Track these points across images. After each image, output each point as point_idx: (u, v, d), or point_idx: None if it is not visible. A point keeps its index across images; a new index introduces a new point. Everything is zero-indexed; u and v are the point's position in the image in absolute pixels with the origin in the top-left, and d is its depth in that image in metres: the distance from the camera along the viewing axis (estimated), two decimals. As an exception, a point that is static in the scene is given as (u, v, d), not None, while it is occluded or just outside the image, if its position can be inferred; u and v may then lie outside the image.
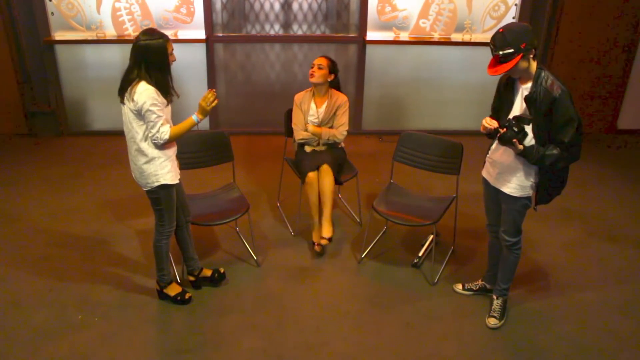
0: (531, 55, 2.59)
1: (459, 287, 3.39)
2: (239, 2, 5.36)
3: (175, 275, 3.42)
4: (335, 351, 2.91)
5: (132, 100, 2.70)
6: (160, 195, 2.92)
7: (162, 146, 2.81)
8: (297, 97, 3.90)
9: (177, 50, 5.33)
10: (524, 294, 3.38)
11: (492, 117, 2.84)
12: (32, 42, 5.22)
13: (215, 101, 2.91)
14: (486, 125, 2.69)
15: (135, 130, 2.78)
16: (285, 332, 3.03)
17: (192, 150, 3.58)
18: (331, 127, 3.85)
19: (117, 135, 3.54)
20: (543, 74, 2.61)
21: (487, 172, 3.01)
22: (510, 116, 2.71)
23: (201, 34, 5.37)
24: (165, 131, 2.76)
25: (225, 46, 5.51)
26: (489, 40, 2.61)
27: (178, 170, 3.02)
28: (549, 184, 2.80)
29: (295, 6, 5.39)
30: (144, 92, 2.68)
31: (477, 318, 3.16)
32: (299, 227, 3.97)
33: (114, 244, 3.77)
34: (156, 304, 3.22)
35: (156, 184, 2.87)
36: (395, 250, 3.82)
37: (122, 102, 2.78)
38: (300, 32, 5.48)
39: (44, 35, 5.23)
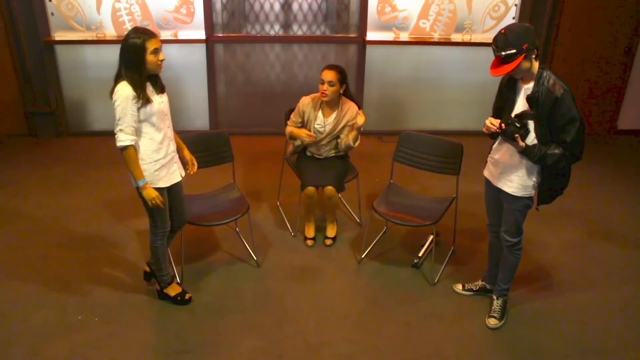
0: (533, 56, 2.59)
1: (459, 287, 3.39)
2: (239, 3, 5.36)
3: (175, 275, 3.42)
4: (336, 351, 2.91)
5: (111, 97, 2.72)
6: (142, 194, 2.86)
7: (120, 151, 2.74)
8: (303, 103, 3.74)
9: (177, 51, 5.42)
10: (524, 294, 3.38)
11: (494, 117, 2.85)
12: (32, 42, 5.22)
13: (156, 204, 2.85)
14: (489, 125, 2.69)
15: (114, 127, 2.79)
16: (285, 332, 3.03)
17: (192, 150, 3.55)
18: (339, 137, 3.74)
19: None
20: (545, 74, 2.62)
21: (488, 172, 3.01)
22: (513, 115, 2.72)
23: (201, 34, 5.37)
24: (121, 139, 2.70)
25: (225, 46, 5.51)
26: (489, 41, 2.62)
27: (172, 176, 2.96)
28: (551, 184, 2.80)
29: (295, 6, 5.39)
30: (118, 91, 2.68)
31: (477, 318, 3.16)
32: (299, 227, 3.97)
33: (114, 244, 3.77)
34: (156, 304, 3.22)
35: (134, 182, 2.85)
36: (395, 250, 3.82)
37: (111, 98, 2.80)
38: (300, 33, 5.49)
39: (44, 36, 5.23)
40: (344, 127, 3.70)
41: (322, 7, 5.41)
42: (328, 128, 3.73)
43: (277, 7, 5.38)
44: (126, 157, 2.75)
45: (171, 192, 3.03)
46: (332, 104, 3.69)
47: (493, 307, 3.15)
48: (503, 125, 2.65)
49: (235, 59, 5.56)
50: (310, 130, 3.74)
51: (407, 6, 5.42)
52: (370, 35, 5.48)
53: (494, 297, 3.18)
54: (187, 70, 5.52)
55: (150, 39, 2.67)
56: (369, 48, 5.51)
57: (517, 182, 2.82)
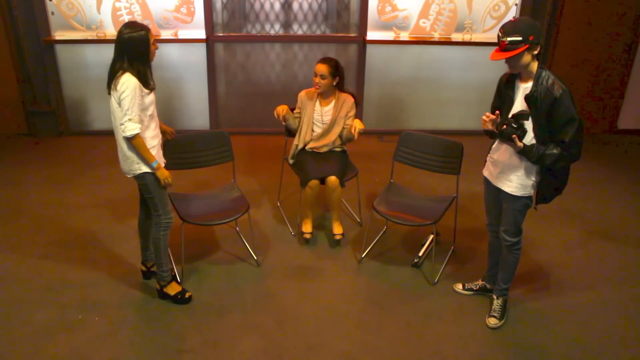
0: (535, 52, 2.59)
1: (459, 287, 3.39)
2: (239, 2, 5.36)
3: (176, 275, 3.43)
4: (336, 351, 2.91)
5: (116, 89, 2.79)
6: (147, 180, 2.96)
7: (128, 140, 2.84)
8: (300, 95, 3.90)
9: (177, 50, 5.42)
10: (524, 293, 3.38)
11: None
12: (32, 41, 5.23)
13: (169, 182, 3.01)
14: (484, 118, 2.70)
15: (119, 118, 2.86)
16: (285, 332, 3.03)
17: (193, 150, 3.58)
18: (338, 128, 3.82)
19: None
20: (544, 74, 2.62)
21: (488, 172, 3.01)
22: (510, 115, 2.72)
23: (201, 34, 5.37)
24: (131, 128, 2.79)
25: (225, 46, 5.51)
26: (489, 40, 2.62)
27: (163, 160, 3.09)
28: (549, 183, 2.80)
29: (295, 6, 5.39)
30: (126, 82, 2.77)
31: (477, 318, 3.16)
32: (299, 227, 3.97)
33: (114, 244, 3.77)
34: (156, 303, 3.22)
35: (138, 171, 2.93)
36: (395, 250, 3.82)
37: (109, 93, 2.87)
38: (300, 32, 5.48)
39: (44, 35, 5.23)
40: (346, 115, 3.79)
41: (323, 6, 5.41)
42: (328, 118, 3.80)
43: (277, 6, 5.38)
44: (137, 144, 2.85)
45: None
46: (327, 95, 3.81)
47: (493, 307, 3.15)
48: (502, 126, 2.64)
49: (236, 59, 5.56)
50: (308, 123, 3.84)
51: (407, 6, 5.42)
52: (371, 35, 5.48)
53: (494, 296, 3.18)
54: (188, 70, 5.52)
55: (149, 31, 2.85)
56: (369, 48, 5.51)
57: (516, 181, 2.82)
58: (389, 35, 5.51)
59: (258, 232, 3.94)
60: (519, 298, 3.32)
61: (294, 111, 3.94)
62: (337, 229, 3.82)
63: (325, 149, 3.87)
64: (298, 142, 3.90)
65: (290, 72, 5.62)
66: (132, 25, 2.83)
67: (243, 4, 5.37)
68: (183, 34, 5.38)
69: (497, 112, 2.69)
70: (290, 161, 3.94)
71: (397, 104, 5.79)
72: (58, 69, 5.40)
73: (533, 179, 2.81)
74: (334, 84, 3.75)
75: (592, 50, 5.60)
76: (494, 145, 2.96)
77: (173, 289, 3.23)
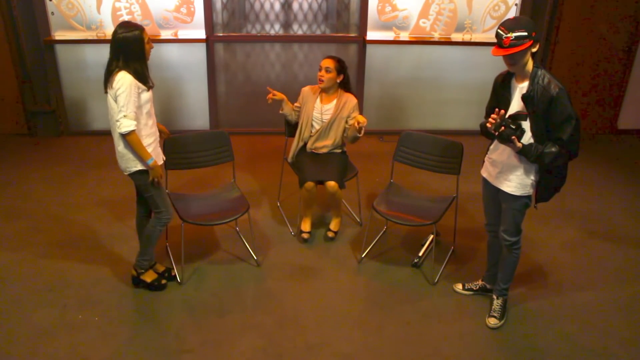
0: (534, 49, 2.59)
1: (459, 287, 3.39)
2: (239, 2, 5.36)
3: (176, 275, 3.43)
4: (336, 351, 2.91)
5: (112, 87, 2.83)
6: (143, 179, 3.00)
7: (123, 137, 2.88)
8: (304, 90, 3.89)
9: (177, 50, 5.42)
10: (524, 293, 3.38)
11: (487, 118, 2.87)
12: (32, 42, 5.23)
13: (159, 181, 3.04)
14: (493, 121, 2.65)
15: (115, 115, 2.89)
16: (285, 332, 3.03)
17: (192, 150, 3.58)
18: (338, 130, 3.81)
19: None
20: (539, 73, 2.62)
21: (486, 172, 3.01)
22: (507, 115, 2.72)
23: (201, 34, 5.37)
24: (126, 125, 2.82)
25: (225, 46, 5.51)
26: (489, 40, 2.62)
27: (161, 157, 3.12)
28: (549, 182, 2.81)
29: (295, 6, 5.39)
30: (122, 79, 2.81)
31: (477, 318, 3.16)
32: (299, 227, 3.97)
33: (114, 244, 3.77)
34: (156, 303, 3.22)
35: (134, 169, 2.97)
36: (395, 250, 3.82)
37: (106, 91, 2.90)
38: (300, 32, 5.48)
39: (44, 35, 5.23)
40: (348, 116, 3.77)
41: (322, 6, 5.41)
42: (328, 116, 3.78)
43: (277, 6, 5.38)
44: (131, 140, 2.87)
45: None
46: (330, 92, 3.79)
47: (493, 307, 3.15)
48: (501, 128, 2.62)
49: (236, 59, 5.56)
50: (307, 120, 3.83)
51: (407, 6, 5.42)
52: (371, 35, 5.48)
53: (494, 296, 3.18)
54: (187, 70, 5.52)
55: (144, 30, 2.88)
56: (369, 47, 5.51)
57: (515, 181, 2.82)
58: (389, 35, 5.51)
59: (258, 232, 3.94)
60: (519, 298, 3.33)
61: (294, 104, 3.94)
62: (334, 226, 3.87)
63: (325, 150, 3.87)
64: (298, 140, 3.90)
65: (290, 72, 5.62)
66: (126, 25, 2.86)
67: (243, 4, 5.37)
68: (183, 34, 5.38)
69: (502, 111, 2.67)
70: (290, 161, 3.94)
71: (397, 104, 5.78)
72: (58, 69, 5.40)
73: (532, 178, 2.81)
74: (338, 81, 3.75)
75: (592, 50, 5.60)
76: (492, 146, 2.96)
77: (149, 277, 3.29)
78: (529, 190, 2.83)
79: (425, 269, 3.60)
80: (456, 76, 5.68)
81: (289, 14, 5.44)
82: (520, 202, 2.86)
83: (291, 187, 4.38)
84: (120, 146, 2.94)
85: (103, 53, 5.14)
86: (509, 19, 2.59)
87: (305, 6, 5.39)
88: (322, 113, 3.81)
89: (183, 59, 5.47)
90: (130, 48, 2.82)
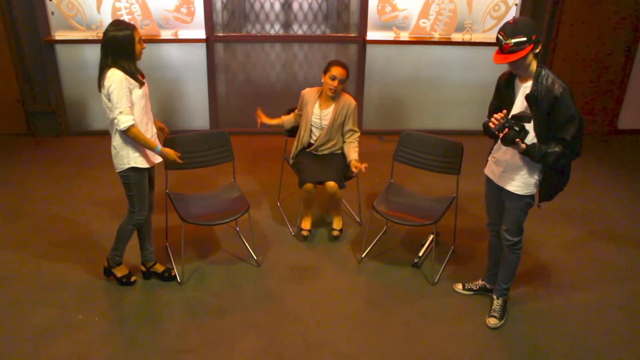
0: (536, 51, 2.58)
1: (459, 287, 3.39)
2: (240, 2, 5.36)
3: (176, 275, 3.42)
4: (336, 351, 2.91)
5: (104, 85, 2.85)
6: (131, 178, 3.03)
7: (122, 134, 2.90)
8: (304, 93, 3.85)
9: (177, 50, 5.42)
10: (524, 293, 3.38)
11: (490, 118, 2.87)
12: (33, 41, 5.22)
13: (179, 161, 3.15)
14: (496, 122, 2.65)
15: (109, 113, 2.92)
16: (285, 332, 3.03)
17: (193, 150, 3.58)
18: (338, 133, 3.81)
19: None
20: (543, 72, 2.61)
21: (490, 171, 3.00)
22: (510, 115, 2.72)
23: (201, 34, 5.37)
24: (124, 121, 2.84)
25: (225, 46, 5.51)
26: (489, 40, 2.61)
27: (155, 157, 3.14)
28: (552, 181, 2.81)
29: (295, 6, 5.38)
30: (112, 77, 2.82)
31: (478, 318, 3.16)
32: (299, 226, 3.96)
33: (114, 244, 3.77)
34: (156, 303, 3.23)
35: (126, 166, 2.99)
36: (395, 250, 3.82)
37: (100, 90, 2.92)
38: (300, 32, 5.48)
39: (44, 35, 5.23)
40: (345, 119, 3.76)
41: (323, 6, 5.41)
42: (327, 120, 3.77)
43: (277, 6, 5.38)
44: (133, 135, 2.90)
45: (149, 174, 3.17)
46: (328, 98, 3.78)
47: (493, 307, 3.15)
48: (505, 130, 2.61)
49: (236, 59, 5.56)
50: (306, 125, 3.82)
51: (407, 6, 5.42)
52: (371, 35, 5.48)
53: (494, 296, 3.18)
54: (188, 70, 5.51)
55: (135, 30, 2.88)
56: (369, 48, 5.50)
57: (519, 180, 2.82)
58: (389, 35, 5.51)
59: (258, 232, 3.94)
60: (519, 298, 3.32)
61: (295, 111, 3.93)
62: (337, 224, 3.87)
63: (326, 151, 3.86)
64: (297, 144, 3.89)
65: (290, 72, 5.62)
66: (117, 23, 2.88)
67: (243, 4, 5.37)
68: (183, 34, 5.38)
69: (504, 111, 2.66)
70: (291, 161, 3.94)
71: (397, 104, 5.78)
72: (58, 69, 5.39)
73: (536, 177, 2.81)
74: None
75: (592, 50, 5.60)
76: (495, 145, 2.95)
77: (120, 271, 3.34)
78: (532, 190, 2.83)
79: (425, 269, 3.60)
80: (456, 76, 5.68)
81: (289, 14, 5.43)
82: (524, 202, 2.86)
83: (291, 187, 4.38)
84: (116, 142, 2.97)
85: (103, 53, 5.17)
86: (508, 23, 2.56)
87: (305, 6, 5.39)
88: (321, 118, 3.79)
89: (183, 59, 5.47)
90: (119, 47, 2.84)
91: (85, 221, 4.05)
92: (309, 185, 3.63)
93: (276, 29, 5.47)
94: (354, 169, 3.62)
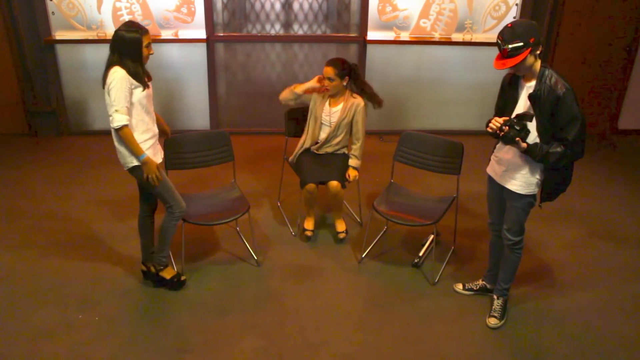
0: (537, 52, 2.59)
1: (459, 287, 3.39)
2: (240, 2, 5.36)
3: (185, 280, 3.42)
4: (336, 350, 2.91)
5: (106, 82, 2.86)
6: (141, 175, 3.01)
7: (116, 132, 2.90)
8: (314, 95, 3.83)
9: (177, 50, 5.42)
10: (525, 293, 3.38)
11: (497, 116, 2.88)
12: (33, 41, 5.22)
13: (153, 182, 3.01)
14: (493, 126, 2.67)
15: (108, 110, 2.91)
16: (286, 332, 3.03)
17: (193, 150, 3.58)
18: (346, 132, 3.81)
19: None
20: (547, 72, 2.62)
21: (492, 170, 3.01)
22: (514, 115, 2.72)
23: (202, 34, 5.37)
24: (118, 119, 2.84)
25: (225, 46, 5.51)
26: (489, 40, 2.61)
27: (160, 154, 3.16)
28: (554, 181, 2.81)
29: (295, 6, 5.38)
30: (114, 74, 2.84)
31: (478, 318, 3.16)
32: (300, 226, 3.96)
33: (114, 244, 3.77)
34: (157, 303, 3.23)
35: (131, 164, 2.99)
36: (395, 250, 3.82)
37: (103, 87, 2.92)
38: (300, 32, 5.48)
39: (44, 35, 5.23)
40: (353, 119, 3.77)
41: (323, 6, 5.41)
42: (336, 117, 3.77)
43: (277, 6, 5.38)
44: (124, 135, 2.89)
45: None
46: (337, 95, 3.78)
47: (493, 307, 3.15)
48: (504, 128, 2.62)
49: (236, 59, 5.56)
50: (316, 122, 3.81)
51: (407, 6, 5.42)
52: (371, 35, 5.48)
53: (495, 296, 3.18)
54: (188, 70, 5.51)
55: (146, 34, 2.91)
56: (369, 48, 5.50)
57: (521, 179, 2.82)
58: (389, 35, 5.51)
59: (258, 232, 3.94)
60: (519, 298, 3.32)
61: (293, 87, 3.82)
62: (340, 227, 3.86)
63: (330, 149, 3.87)
64: (304, 140, 3.88)
65: (290, 72, 5.62)
66: (130, 24, 2.90)
67: (243, 4, 5.37)
68: (183, 34, 5.38)
69: (504, 118, 2.67)
70: (292, 161, 3.93)
71: (397, 104, 5.78)
72: (58, 69, 5.40)
73: (538, 177, 2.81)
74: (344, 84, 3.72)
75: (592, 50, 5.60)
76: (498, 144, 2.96)
77: (168, 273, 3.30)
78: (534, 189, 2.83)
79: (425, 269, 3.60)
80: (456, 76, 5.68)
81: (289, 14, 5.43)
82: (525, 201, 2.86)
83: (292, 187, 4.38)
84: (115, 142, 2.98)
85: (103, 53, 5.14)
86: (506, 27, 2.56)
87: (306, 6, 5.39)
88: (330, 115, 3.79)
89: (183, 59, 5.47)
90: (126, 47, 2.85)
91: (85, 221, 4.06)
92: (311, 186, 3.63)
93: (276, 29, 5.48)
94: (348, 176, 3.73)
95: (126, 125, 2.85)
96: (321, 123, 3.84)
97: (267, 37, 5.47)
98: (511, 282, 3.13)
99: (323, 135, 3.85)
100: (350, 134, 3.84)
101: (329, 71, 3.65)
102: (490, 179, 3.04)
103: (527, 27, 2.54)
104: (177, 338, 2.97)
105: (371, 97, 3.78)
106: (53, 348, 2.87)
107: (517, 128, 2.61)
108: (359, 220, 4.15)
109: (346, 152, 3.94)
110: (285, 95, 3.79)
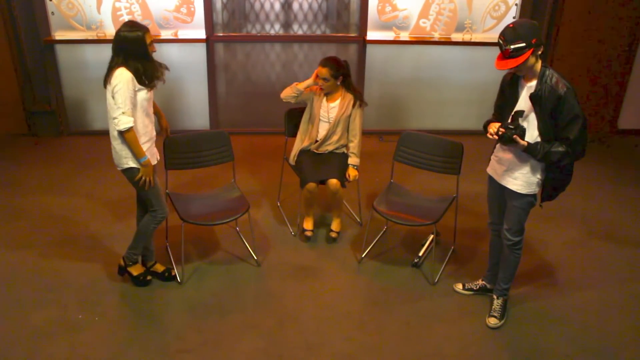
0: (539, 52, 2.59)
1: (459, 286, 3.39)
2: (240, 2, 5.36)
3: (176, 275, 3.42)
4: (336, 351, 2.91)
5: (110, 83, 2.86)
6: (134, 177, 3.02)
7: (120, 134, 2.90)
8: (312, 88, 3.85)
9: (177, 50, 5.42)
10: (525, 293, 3.38)
11: (495, 115, 2.88)
12: (33, 41, 5.22)
13: (146, 185, 3.04)
14: (489, 135, 2.70)
15: (112, 111, 2.92)
16: (286, 332, 3.03)
17: (193, 150, 3.58)
18: (342, 128, 3.83)
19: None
20: (548, 72, 2.62)
21: (492, 170, 3.01)
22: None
23: (201, 34, 5.37)
24: (124, 122, 2.85)
25: (225, 46, 5.51)
26: (489, 40, 2.62)
27: (156, 157, 3.16)
28: (554, 181, 2.81)
29: (295, 6, 5.38)
30: (119, 76, 2.83)
31: (478, 318, 3.16)
32: (300, 226, 3.96)
33: (114, 244, 3.77)
34: (156, 303, 3.22)
35: (126, 165, 3.00)
36: (395, 250, 3.82)
37: (105, 87, 2.92)
38: (300, 32, 5.48)
39: (44, 35, 5.23)
40: (350, 116, 3.80)
41: (323, 6, 5.41)
42: (334, 114, 3.79)
43: (277, 6, 5.38)
44: (129, 138, 2.90)
45: None
46: (333, 92, 3.81)
47: (493, 307, 3.15)
48: (501, 130, 2.64)
49: (236, 59, 5.56)
50: (314, 120, 3.82)
51: (407, 6, 5.42)
52: (371, 35, 5.48)
53: (495, 296, 3.18)
54: (188, 70, 5.51)
55: (147, 32, 2.90)
56: (369, 47, 5.50)
57: (521, 179, 2.82)
58: (389, 35, 5.51)
59: (258, 232, 3.94)
60: (519, 298, 3.32)
61: (295, 84, 3.82)
62: (335, 226, 3.88)
63: (330, 147, 3.87)
64: (303, 139, 3.89)
65: (290, 72, 5.62)
66: (130, 24, 2.89)
67: (243, 4, 5.37)
68: (183, 34, 5.38)
69: (498, 125, 2.70)
70: (292, 161, 3.93)
71: (397, 103, 5.78)
72: (58, 69, 5.39)
73: (538, 176, 2.81)
74: (338, 83, 3.75)
75: (592, 50, 5.60)
76: (498, 144, 2.96)
77: (136, 270, 3.31)
78: (534, 189, 2.84)
79: (425, 269, 3.60)
80: (456, 76, 5.68)
81: (289, 14, 5.43)
82: (526, 201, 2.86)
83: (291, 187, 4.38)
84: (115, 142, 2.97)
85: (103, 53, 5.15)
86: (508, 28, 2.57)
87: (305, 6, 5.39)
88: (329, 111, 3.81)
89: (183, 59, 5.47)
90: (130, 47, 2.85)
91: (85, 221, 4.05)
92: (311, 185, 3.64)
93: (276, 29, 5.47)
94: (348, 176, 3.75)
95: (132, 128, 2.87)
96: (320, 120, 3.84)
97: (267, 37, 5.47)
98: (511, 282, 3.13)
99: (322, 132, 3.85)
100: (347, 132, 3.84)
101: (324, 72, 3.68)
102: (490, 178, 3.04)
103: (529, 27, 2.54)
104: (176, 338, 2.97)
105: (357, 97, 3.84)
106: (53, 348, 2.87)
107: (511, 127, 2.63)
108: (358, 220, 4.15)
109: (345, 151, 3.94)
110: (286, 92, 3.80)
